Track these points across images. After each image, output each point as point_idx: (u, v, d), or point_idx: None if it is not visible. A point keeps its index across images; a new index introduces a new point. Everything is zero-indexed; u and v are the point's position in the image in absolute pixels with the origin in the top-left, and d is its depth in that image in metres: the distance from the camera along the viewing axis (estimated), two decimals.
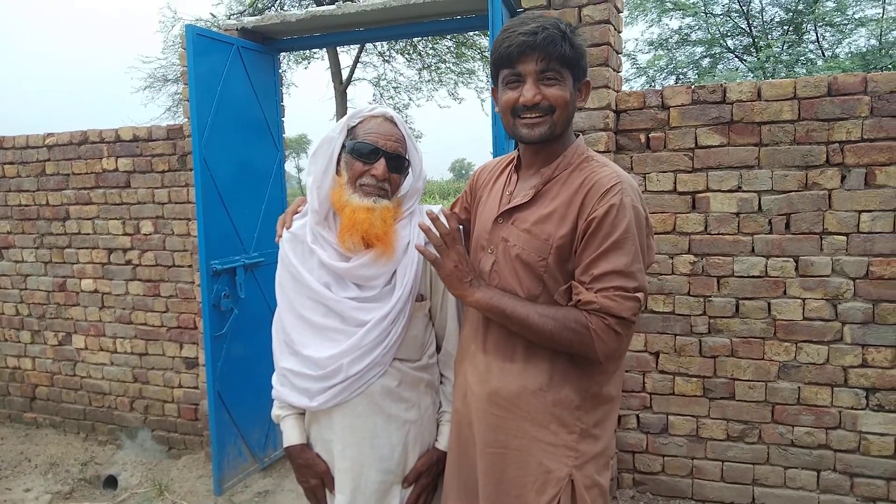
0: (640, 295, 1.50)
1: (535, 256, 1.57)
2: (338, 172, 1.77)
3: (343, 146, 1.77)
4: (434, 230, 1.61)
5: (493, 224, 1.67)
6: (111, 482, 4.11)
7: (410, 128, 1.76)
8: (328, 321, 1.76)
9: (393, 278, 1.77)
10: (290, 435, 1.85)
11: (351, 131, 1.77)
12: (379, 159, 1.71)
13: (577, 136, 1.70)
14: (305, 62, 9.50)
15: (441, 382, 1.90)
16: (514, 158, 1.76)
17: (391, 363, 1.77)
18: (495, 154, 2.85)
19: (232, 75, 3.56)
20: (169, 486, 3.87)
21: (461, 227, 1.72)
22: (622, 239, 1.49)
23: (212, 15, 9.54)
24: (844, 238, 2.96)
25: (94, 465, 4.27)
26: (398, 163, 1.74)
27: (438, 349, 1.89)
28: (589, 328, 1.49)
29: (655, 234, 3.16)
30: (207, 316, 3.44)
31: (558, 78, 1.55)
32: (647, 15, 8.90)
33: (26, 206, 4.58)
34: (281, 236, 1.87)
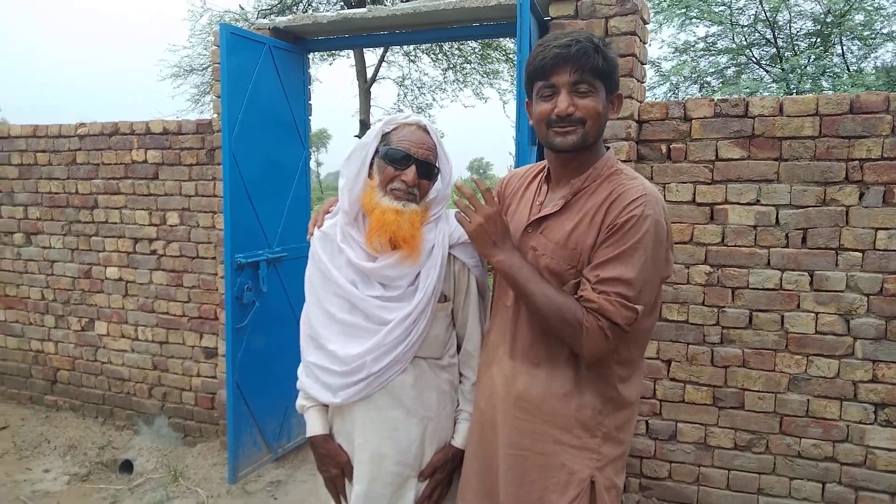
0: (639, 307, 1.54)
1: (563, 265, 1.63)
2: (370, 175, 1.84)
3: (377, 151, 1.84)
4: (465, 188, 1.70)
5: (523, 233, 1.73)
6: (127, 466, 4.21)
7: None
8: (353, 318, 1.83)
9: (416, 279, 1.84)
10: (314, 425, 1.92)
11: (385, 137, 1.84)
12: (410, 166, 1.78)
13: (608, 148, 1.75)
14: (330, 59, 9.60)
15: (460, 382, 1.96)
16: (543, 168, 1.82)
17: (413, 361, 1.84)
18: (518, 159, 2.91)
19: (263, 74, 3.65)
20: (184, 472, 3.96)
21: (491, 191, 1.75)
22: (634, 248, 1.54)
23: (241, 7, 9.67)
24: (860, 255, 2.99)
25: (111, 450, 4.37)
26: (428, 170, 1.81)
27: (459, 349, 1.96)
28: (582, 325, 1.55)
29: (674, 244, 3.20)
30: (230, 308, 3.52)
31: (591, 90, 1.61)
32: (672, 22, 8.91)
33: (56, 193, 4.69)
34: (312, 234, 1.94)
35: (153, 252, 4.41)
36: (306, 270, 1.96)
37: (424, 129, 1.86)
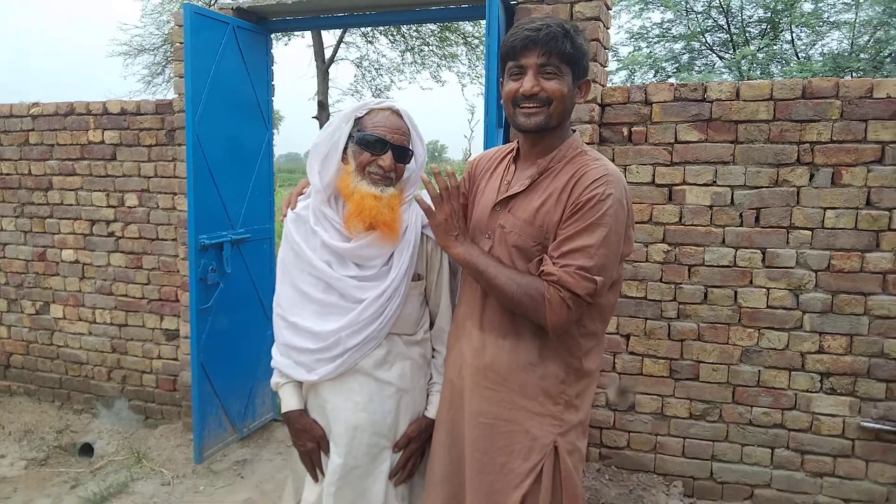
0: (598, 278, 1.61)
1: (530, 242, 1.70)
2: (344, 160, 1.87)
3: (350, 136, 1.86)
4: (434, 184, 1.74)
5: (491, 211, 1.79)
6: (87, 450, 4.16)
7: None
8: (328, 297, 1.87)
9: (390, 259, 1.89)
10: (289, 401, 1.96)
11: (358, 122, 1.87)
12: (386, 151, 1.82)
13: (574, 131, 1.81)
14: (286, 39, 9.47)
15: (433, 356, 2.02)
16: (512, 149, 1.87)
17: (387, 337, 1.89)
18: (486, 140, 2.96)
19: (226, 54, 3.61)
20: (147, 454, 3.94)
21: (460, 188, 1.83)
22: (595, 224, 1.61)
23: None
24: (809, 233, 3.13)
25: (69, 433, 4.31)
26: (403, 153, 1.86)
27: (432, 325, 2.01)
28: (545, 297, 1.62)
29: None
30: (194, 289, 3.51)
31: (557, 73, 1.67)
32: (630, 8, 9.06)
33: (7, 174, 4.56)
34: (286, 216, 1.96)
35: (111, 234, 4.34)
36: (279, 251, 1.98)
37: (398, 114, 1.89)
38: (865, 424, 3.13)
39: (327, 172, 1.87)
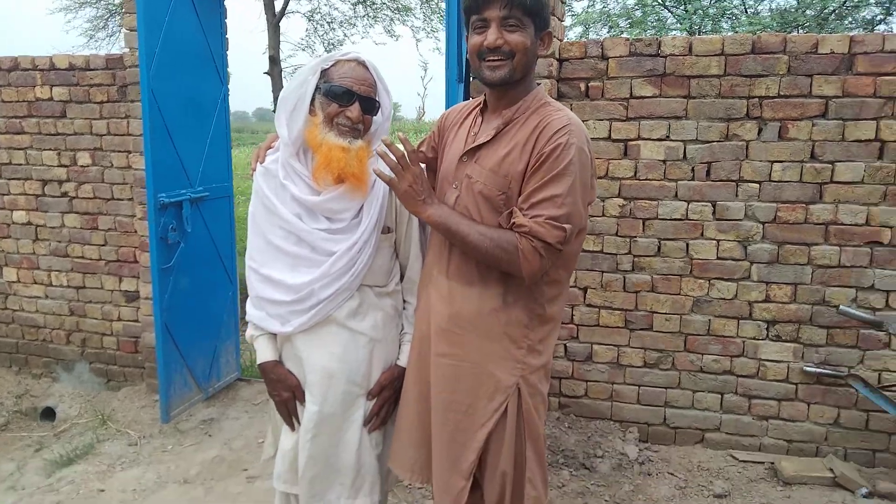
0: (567, 226, 1.68)
1: (494, 191, 1.75)
2: (311, 112, 1.88)
3: (317, 88, 1.88)
4: (390, 155, 1.76)
5: (459, 162, 1.84)
6: (49, 414, 4.14)
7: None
8: (300, 250, 1.90)
9: (360, 212, 1.92)
10: (264, 352, 2.00)
11: (324, 73, 1.88)
12: (353, 102, 1.84)
13: (538, 84, 1.86)
14: None
15: (404, 307, 2.07)
16: (480, 103, 1.91)
17: (359, 288, 1.93)
18: (447, 96, 2.98)
19: (178, 6, 3.53)
20: (111, 416, 3.94)
21: (417, 151, 1.88)
22: (561, 173, 1.67)
23: None
24: (757, 186, 3.26)
25: (29, 398, 4.28)
26: (370, 105, 1.88)
27: (402, 277, 2.07)
28: (518, 248, 1.68)
29: None
30: (155, 248, 3.48)
31: (519, 25, 1.71)
32: None
33: None
34: (255, 170, 1.97)
35: (64, 194, 4.25)
36: (250, 206, 1.99)
37: (364, 65, 1.91)
38: (808, 369, 3.32)
39: (295, 125, 1.88)
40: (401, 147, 1.78)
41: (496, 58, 1.72)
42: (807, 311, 3.30)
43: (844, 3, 7.62)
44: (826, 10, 7.80)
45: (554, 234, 1.67)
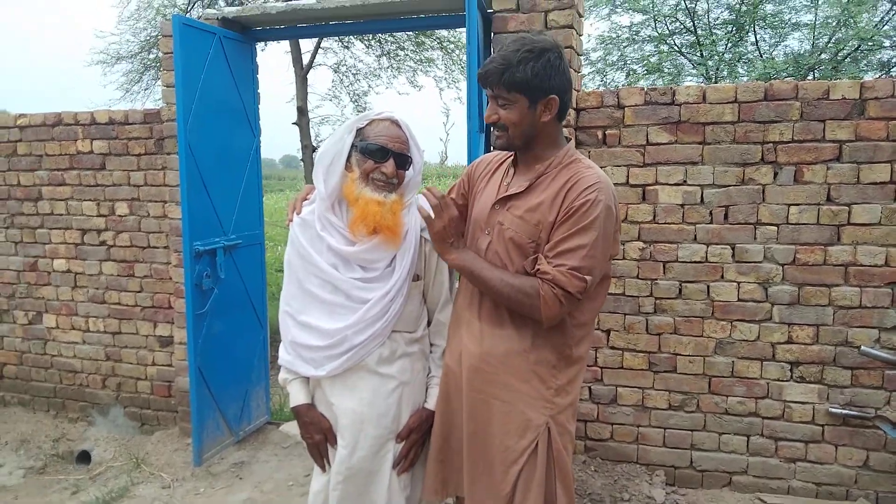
0: (588, 278, 1.79)
1: (525, 239, 1.86)
2: (348, 168, 2.01)
3: (354, 146, 2.01)
4: (433, 196, 1.91)
5: (491, 209, 1.95)
6: (84, 457, 4.25)
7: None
8: (335, 297, 2.01)
9: (393, 261, 2.03)
10: (297, 396, 2.09)
11: (360, 132, 2.01)
12: (388, 158, 1.96)
13: (568, 140, 1.99)
14: (263, 44, 9.55)
15: (431, 350, 2.16)
16: (512, 155, 2.04)
17: (390, 335, 2.03)
18: (469, 146, 3.10)
19: (214, 63, 3.72)
20: (145, 459, 4.03)
21: (454, 202, 2.05)
22: (587, 227, 1.79)
23: None
24: (775, 228, 3.32)
25: (65, 442, 4.39)
26: (403, 161, 2.01)
27: (429, 322, 2.16)
28: (539, 294, 1.79)
29: None
30: (190, 294, 3.61)
31: (507, 102, 1.87)
32: (598, 12, 9.31)
33: None
34: (291, 220, 2.10)
35: (102, 243, 4.42)
36: (286, 253, 2.11)
37: (397, 124, 2.04)
38: (833, 410, 3.31)
39: (331, 180, 2.01)
40: (442, 193, 1.94)
41: (497, 130, 1.91)
42: (830, 353, 3.31)
43: (858, 47, 7.71)
44: (841, 54, 7.89)
45: (575, 284, 1.78)
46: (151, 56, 9.86)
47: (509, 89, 1.84)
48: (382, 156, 1.97)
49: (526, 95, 1.85)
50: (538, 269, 1.82)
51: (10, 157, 4.57)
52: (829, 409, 3.32)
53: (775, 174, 3.29)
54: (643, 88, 3.45)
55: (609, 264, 1.94)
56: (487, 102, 1.96)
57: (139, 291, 4.37)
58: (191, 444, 3.88)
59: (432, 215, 1.93)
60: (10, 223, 4.62)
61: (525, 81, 1.83)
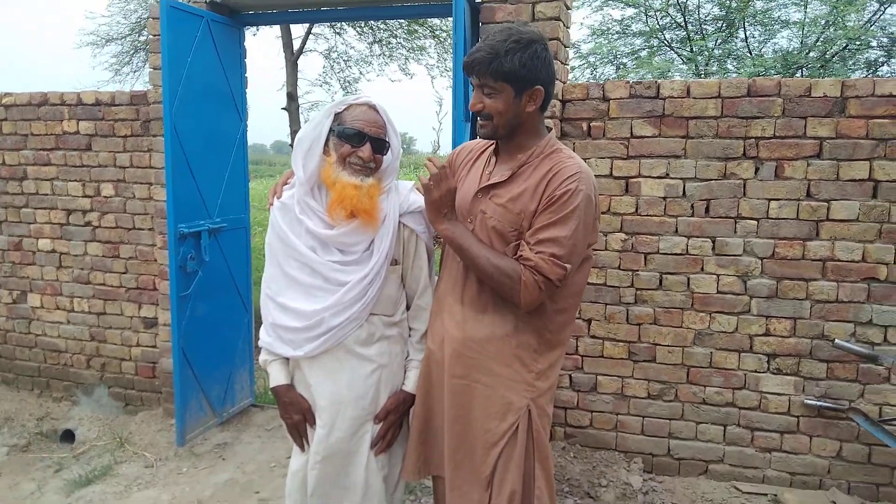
0: (567, 266, 1.83)
1: (507, 227, 1.90)
2: (326, 152, 2.03)
3: (331, 130, 2.03)
4: (434, 166, 1.94)
5: (473, 198, 1.99)
6: (68, 436, 4.27)
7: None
8: (313, 280, 2.03)
9: (371, 245, 2.05)
10: (277, 377, 2.12)
11: (338, 116, 2.03)
12: (365, 143, 1.98)
13: (549, 129, 2.01)
14: (254, 29, 9.51)
15: (409, 334, 2.19)
16: (492, 144, 2.07)
17: (368, 318, 2.06)
18: (454, 134, 3.13)
19: (201, 47, 3.72)
20: (129, 438, 4.06)
21: (455, 173, 2.07)
22: (568, 216, 1.83)
23: None
24: (755, 223, 3.37)
25: (50, 420, 4.41)
26: (380, 145, 2.03)
27: (408, 306, 2.19)
28: (520, 279, 1.83)
29: None
30: (174, 276, 3.63)
31: (493, 91, 1.89)
32: (591, 3, 9.33)
33: None
34: (272, 204, 2.12)
35: (87, 223, 4.42)
36: (266, 237, 2.13)
37: (374, 108, 2.06)
38: (809, 402, 3.38)
39: (310, 164, 2.03)
40: (445, 167, 1.95)
41: (482, 119, 1.93)
42: (806, 345, 3.37)
43: (846, 46, 7.77)
44: (829, 53, 7.94)
45: (556, 272, 1.82)
46: (141, 38, 9.80)
47: (496, 78, 1.86)
48: (359, 140, 1.99)
49: (512, 85, 1.88)
50: (520, 256, 1.85)
51: None
52: (805, 400, 3.38)
53: (756, 169, 3.34)
54: (628, 82, 3.48)
55: (589, 251, 1.97)
56: (472, 91, 1.98)
57: (124, 273, 4.37)
58: (174, 424, 3.90)
59: (430, 184, 1.95)
60: None
61: (512, 72, 1.86)
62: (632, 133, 3.46)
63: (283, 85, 8.92)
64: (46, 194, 4.49)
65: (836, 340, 3.27)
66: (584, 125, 3.52)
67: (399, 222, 2.09)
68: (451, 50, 9.71)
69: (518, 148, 1.96)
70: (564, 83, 3.56)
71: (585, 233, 1.88)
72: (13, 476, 3.73)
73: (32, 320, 4.64)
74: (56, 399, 4.60)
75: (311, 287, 2.03)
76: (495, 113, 1.90)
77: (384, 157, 2.07)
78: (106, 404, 4.48)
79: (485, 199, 1.96)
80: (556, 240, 1.82)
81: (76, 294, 4.51)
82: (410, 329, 2.19)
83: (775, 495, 3.37)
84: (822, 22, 7.81)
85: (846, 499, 3.28)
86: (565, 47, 3.57)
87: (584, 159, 3.50)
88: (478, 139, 2.12)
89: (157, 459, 3.78)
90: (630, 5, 9.01)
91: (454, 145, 3.06)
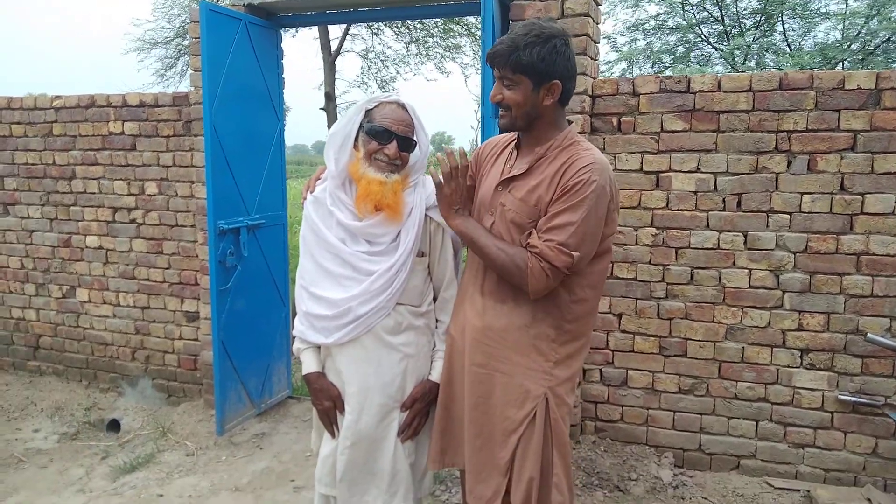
0: (575, 254, 1.86)
1: (525, 219, 1.95)
2: (355, 147, 2.10)
3: (361, 126, 2.10)
4: (446, 162, 2.01)
5: (494, 191, 2.04)
6: (114, 425, 4.44)
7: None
8: (343, 270, 2.11)
9: (398, 237, 2.12)
10: (309, 364, 2.20)
11: (368, 113, 2.11)
12: (392, 141, 2.05)
13: (570, 122, 2.06)
14: (293, 31, 9.67)
15: (436, 325, 2.25)
16: (515, 138, 2.12)
17: (395, 307, 2.12)
18: (483, 131, 3.18)
19: (239, 49, 3.84)
20: (171, 428, 4.20)
21: (468, 169, 2.11)
22: (578, 205, 1.86)
23: None
24: (788, 216, 3.34)
25: (97, 410, 4.59)
26: (407, 143, 2.09)
27: (435, 298, 2.25)
28: (528, 266, 1.88)
29: (623, 208, 3.54)
30: (214, 271, 3.75)
31: (512, 83, 1.94)
32: (626, 1, 9.26)
33: (33, 164, 4.81)
34: (306, 198, 2.20)
35: (132, 221, 4.59)
36: (301, 230, 2.22)
37: (403, 107, 2.13)
38: (843, 398, 3.35)
39: (342, 159, 2.11)
40: (457, 159, 2.02)
41: (502, 110, 1.98)
42: (840, 340, 3.34)
43: (889, 38, 7.57)
44: (870, 45, 7.75)
45: (562, 259, 1.86)
46: (185, 43, 10.06)
47: (514, 70, 1.91)
48: (386, 138, 2.06)
49: (530, 78, 1.92)
50: (528, 243, 1.90)
51: (45, 137, 4.75)
52: (839, 396, 3.35)
53: (789, 163, 3.31)
54: (658, 76, 3.49)
55: (607, 243, 2.00)
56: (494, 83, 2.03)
57: (167, 268, 4.53)
58: (214, 415, 4.03)
59: (442, 180, 2.02)
60: (45, 201, 4.82)
61: (531, 64, 1.90)
62: (662, 128, 3.46)
63: (321, 85, 9.05)
64: (94, 193, 4.67)
65: (869, 335, 3.23)
66: (615, 120, 3.54)
67: (426, 216, 2.16)
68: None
69: (537, 140, 2.01)
70: (595, 79, 3.58)
71: (597, 222, 1.91)
72: (63, 462, 3.90)
73: (81, 314, 4.83)
74: (103, 390, 4.79)
75: (341, 276, 2.11)
76: (513, 104, 1.95)
77: (411, 154, 2.13)
78: (150, 395, 4.65)
79: (504, 191, 2.02)
80: (563, 227, 1.86)
81: (122, 289, 4.68)
82: (437, 321, 2.26)
83: (808, 491, 3.34)
84: (864, 14, 7.63)
85: (882, 496, 3.24)
86: (595, 43, 3.59)
87: (615, 154, 3.54)
88: (501, 134, 2.17)
89: (198, 448, 3.92)
90: (664, 1, 8.93)
91: (483, 140, 3.11)
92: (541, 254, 1.86)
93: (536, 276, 1.87)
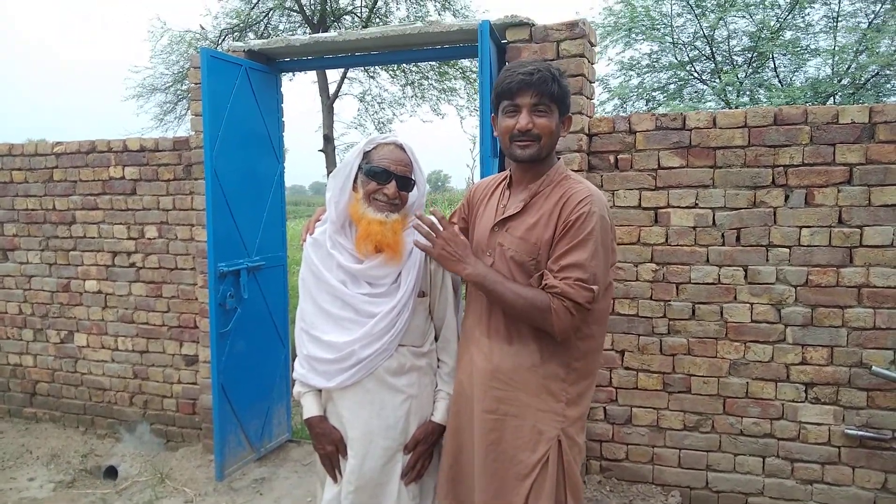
0: (594, 287, 1.86)
1: (525, 257, 1.95)
2: (354, 189, 2.12)
3: (360, 167, 2.12)
4: (423, 225, 1.99)
5: (490, 232, 2.04)
6: (111, 472, 4.36)
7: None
8: (344, 312, 2.11)
9: (398, 278, 2.12)
10: (310, 408, 2.18)
11: (366, 155, 2.13)
12: (391, 181, 2.07)
13: (558, 158, 2.07)
14: (290, 75, 9.82)
15: (438, 366, 2.24)
16: (506, 177, 2.12)
17: (397, 349, 2.11)
18: (482, 169, 3.20)
19: (240, 93, 3.88)
20: (169, 474, 4.13)
21: (450, 220, 2.11)
22: (586, 239, 1.87)
23: (201, 27, 9.78)
24: (787, 250, 3.35)
25: (94, 457, 4.51)
26: (406, 183, 2.11)
27: (437, 338, 2.24)
28: (550, 307, 1.86)
29: (622, 244, 3.55)
30: (214, 314, 3.73)
31: (547, 111, 1.94)
32: (617, 43, 9.44)
33: (33, 210, 4.83)
34: (305, 241, 2.21)
35: (132, 265, 4.59)
36: (300, 272, 2.22)
37: (401, 148, 2.15)
38: (849, 432, 3.31)
39: (341, 201, 2.12)
40: (431, 218, 2.00)
41: (526, 139, 1.95)
42: (845, 374, 3.32)
43: (877, 73, 7.70)
44: (859, 80, 7.88)
45: (584, 295, 1.85)
46: (183, 87, 10.19)
47: (552, 98, 1.93)
48: (385, 178, 2.08)
49: (559, 108, 1.96)
50: (545, 285, 1.89)
51: (46, 182, 4.77)
52: (845, 430, 3.31)
53: (786, 197, 3.33)
54: (654, 114, 3.53)
55: (609, 273, 2.00)
56: (494, 119, 2.04)
57: (166, 311, 4.51)
58: (213, 459, 3.97)
59: (429, 244, 2.00)
60: (45, 246, 4.82)
61: (562, 96, 1.94)
62: (659, 164, 3.49)
63: (319, 127, 9.16)
64: (93, 237, 4.68)
65: (874, 367, 3.21)
66: (612, 158, 3.57)
67: (425, 255, 2.16)
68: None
69: (534, 176, 2.01)
70: (591, 117, 3.62)
71: (605, 253, 1.92)
72: None
73: (79, 359, 4.79)
74: (100, 436, 4.72)
75: (343, 319, 2.10)
76: (546, 133, 1.94)
77: (409, 193, 2.15)
78: (148, 441, 4.58)
79: (501, 231, 2.02)
80: (578, 264, 1.86)
81: (120, 333, 4.65)
82: (439, 360, 2.24)
83: None
84: (853, 49, 7.78)
85: None
86: (590, 83, 3.64)
87: (613, 191, 3.56)
88: (492, 175, 2.18)
89: (197, 495, 3.85)
90: (655, 41, 9.09)
91: (482, 178, 3.13)
92: (562, 293, 1.85)
93: (562, 315, 1.86)
